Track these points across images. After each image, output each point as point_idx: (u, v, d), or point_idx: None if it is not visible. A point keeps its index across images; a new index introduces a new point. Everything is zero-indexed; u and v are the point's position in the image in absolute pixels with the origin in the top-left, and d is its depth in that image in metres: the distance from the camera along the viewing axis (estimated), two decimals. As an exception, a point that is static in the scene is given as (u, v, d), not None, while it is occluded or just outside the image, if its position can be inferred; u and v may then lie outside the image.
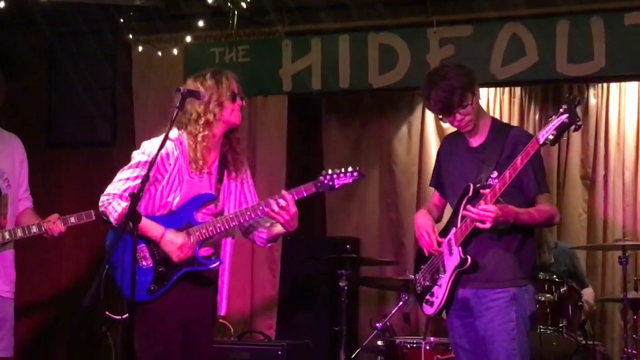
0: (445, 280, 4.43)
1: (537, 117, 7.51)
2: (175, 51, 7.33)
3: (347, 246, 6.48)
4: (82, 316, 6.72)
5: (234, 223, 4.34)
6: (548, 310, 5.74)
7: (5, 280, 5.08)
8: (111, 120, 7.71)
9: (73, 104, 7.67)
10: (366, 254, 7.40)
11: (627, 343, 5.82)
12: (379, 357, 5.96)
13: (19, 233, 5.01)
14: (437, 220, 4.71)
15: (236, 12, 7.01)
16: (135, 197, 3.91)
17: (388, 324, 6.02)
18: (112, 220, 4.26)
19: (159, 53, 7.38)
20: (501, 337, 4.31)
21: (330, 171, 4.38)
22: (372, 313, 7.20)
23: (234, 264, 4.67)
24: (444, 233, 4.50)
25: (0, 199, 5.06)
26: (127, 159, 4.28)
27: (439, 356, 5.60)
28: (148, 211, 4.32)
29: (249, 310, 7.25)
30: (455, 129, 4.56)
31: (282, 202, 4.27)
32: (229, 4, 6.89)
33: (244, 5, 6.89)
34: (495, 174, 4.27)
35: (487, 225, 4.17)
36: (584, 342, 5.94)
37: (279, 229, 4.44)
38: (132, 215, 3.85)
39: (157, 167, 4.25)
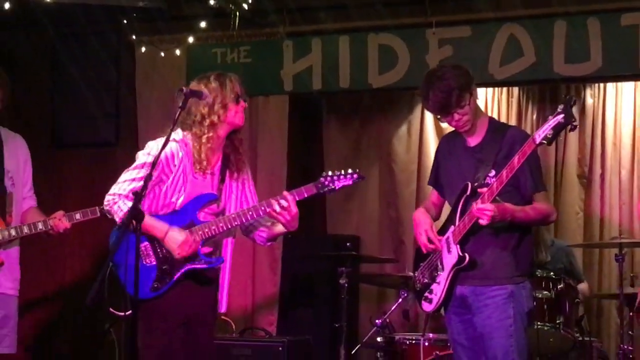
0: (443, 277, 4.44)
1: (534, 116, 7.51)
2: (177, 52, 7.34)
3: (347, 244, 6.49)
4: (86, 313, 6.75)
5: (236, 222, 4.36)
6: (545, 307, 5.74)
7: (10, 278, 5.09)
8: (114, 120, 7.71)
9: (76, 104, 7.68)
10: (366, 251, 7.41)
11: (623, 339, 5.82)
12: (378, 353, 5.96)
13: (25, 230, 5.02)
14: (436, 218, 4.72)
15: (238, 13, 7.02)
16: (138, 195, 3.93)
17: (387, 320, 6.02)
18: (117, 219, 4.28)
19: (162, 54, 7.39)
20: (499, 333, 4.32)
21: (330, 173, 4.39)
22: (372, 310, 7.22)
23: (236, 262, 4.70)
24: (442, 231, 4.51)
25: (5, 197, 5.08)
26: (131, 159, 4.30)
27: (437, 352, 5.61)
28: (152, 210, 4.34)
29: (250, 307, 7.26)
30: (454, 129, 4.57)
31: (283, 202, 4.29)
32: (230, 5, 6.90)
33: (245, 6, 6.90)
34: (492, 173, 4.28)
35: (485, 222, 4.19)
36: (580, 338, 5.94)
37: (279, 228, 4.46)
38: (135, 213, 3.87)
39: (162, 168, 4.28)
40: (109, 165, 7.51)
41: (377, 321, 5.96)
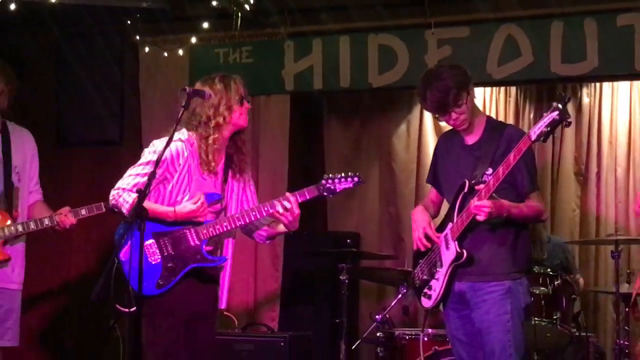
0: (442, 274, 4.45)
1: (532, 115, 7.52)
2: (180, 52, 7.33)
3: (348, 241, 6.49)
4: (91, 308, 6.75)
5: (240, 222, 4.39)
6: (543, 302, 5.74)
7: (15, 273, 5.11)
8: (118, 119, 7.71)
9: (81, 103, 7.68)
10: (366, 248, 7.41)
11: (619, 334, 5.82)
12: (378, 348, 5.96)
13: (32, 226, 5.03)
14: (435, 215, 4.73)
15: (240, 14, 7.01)
16: (142, 193, 3.94)
17: (387, 316, 6.02)
18: (124, 211, 4.29)
19: (165, 54, 7.38)
20: (496, 328, 4.33)
21: (331, 175, 4.42)
22: (372, 306, 7.23)
23: (238, 259, 4.71)
24: (441, 228, 4.52)
25: (12, 192, 5.08)
26: (134, 158, 4.31)
27: (436, 347, 5.61)
28: None
29: (252, 303, 7.26)
30: (452, 127, 4.57)
31: (286, 204, 4.33)
32: (232, 6, 6.89)
33: (247, 7, 6.90)
34: (490, 170, 4.29)
35: (482, 217, 4.19)
36: (577, 333, 5.95)
37: (280, 228, 4.50)
38: (139, 211, 3.88)
39: (166, 167, 4.30)
40: (113, 164, 7.51)
41: (377, 317, 5.95)
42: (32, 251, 5.30)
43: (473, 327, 4.43)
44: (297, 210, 4.34)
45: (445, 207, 4.67)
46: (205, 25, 7.13)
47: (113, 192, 4.34)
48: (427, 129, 7.64)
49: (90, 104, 7.60)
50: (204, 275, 4.42)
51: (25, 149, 5.22)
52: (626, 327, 5.81)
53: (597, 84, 7.37)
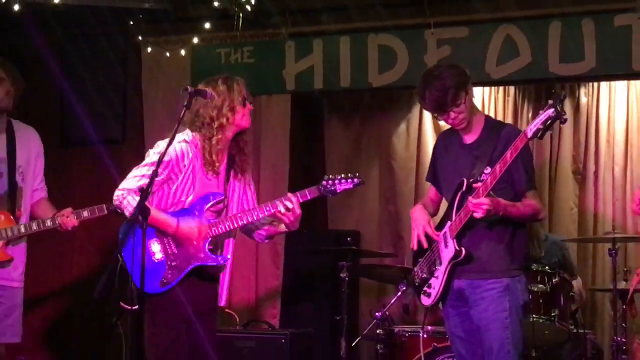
0: (441, 271, 4.45)
1: (530, 115, 7.50)
2: (182, 52, 7.34)
3: (348, 239, 6.49)
4: (94, 306, 6.75)
5: (242, 222, 4.41)
6: (541, 300, 5.73)
7: (17, 271, 5.12)
8: (121, 119, 7.71)
9: (84, 103, 7.67)
10: (366, 246, 7.41)
11: (617, 332, 5.82)
12: (378, 345, 5.96)
13: (34, 227, 5.03)
14: (434, 214, 4.73)
15: (241, 15, 7.02)
16: (145, 192, 3.94)
17: (387, 313, 6.02)
18: (127, 213, 4.29)
19: (167, 54, 7.39)
20: (495, 325, 4.33)
21: (332, 176, 4.43)
22: (372, 303, 7.22)
23: (239, 257, 4.73)
24: (440, 226, 4.52)
25: (16, 192, 5.08)
26: (137, 157, 4.31)
27: (435, 344, 5.61)
28: (160, 208, 4.37)
29: (253, 301, 7.27)
30: (450, 126, 4.57)
31: (288, 204, 4.35)
32: (234, 6, 6.89)
33: (248, 8, 6.90)
34: (488, 169, 4.28)
35: (479, 215, 4.18)
36: (575, 330, 5.95)
37: (281, 227, 4.53)
38: (141, 209, 3.88)
39: (171, 167, 4.31)
40: (116, 163, 7.52)
41: (377, 314, 5.95)
42: (34, 251, 5.30)
43: (472, 324, 4.43)
44: (298, 211, 4.36)
45: (444, 205, 4.67)
46: (207, 25, 7.14)
47: (118, 193, 4.33)
48: (427, 128, 7.63)
49: (94, 103, 7.60)
50: (205, 274, 4.42)
51: (30, 148, 5.22)
52: (623, 324, 5.81)
53: (595, 84, 7.37)
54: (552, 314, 5.72)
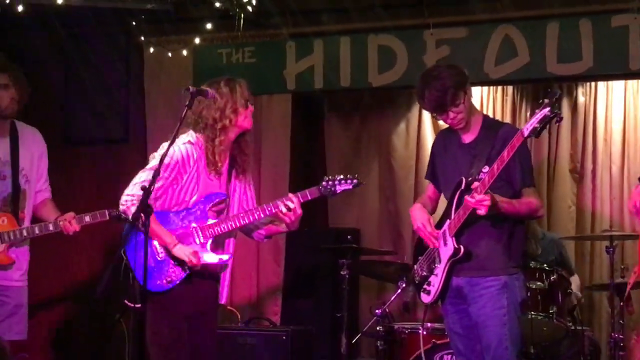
0: (440, 269, 4.45)
1: (528, 114, 7.48)
2: (184, 52, 7.34)
3: (348, 237, 6.49)
4: (94, 305, 6.76)
5: (244, 221, 4.44)
6: (539, 297, 5.74)
7: (20, 271, 5.13)
8: (124, 118, 7.71)
9: (87, 103, 7.68)
10: (366, 244, 7.41)
11: (614, 328, 5.83)
12: (378, 342, 5.96)
13: (37, 231, 5.04)
14: (432, 212, 4.72)
15: (242, 15, 7.01)
16: (146, 190, 3.95)
17: (387, 310, 6.02)
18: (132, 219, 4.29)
19: (169, 54, 7.39)
20: (493, 322, 4.33)
21: (332, 177, 4.46)
22: (372, 300, 7.22)
23: (241, 255, 4.74)
24: (439, 225, 4.51)
25: (19, 195, 5.09)
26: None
27: (435, 341, 5.61)
28: (164, 207, 4.39)
29: (255, 298, 7.27)
30: (449, 126, 4.57)
31: (290, 204, 4.37)
32: (235, 7, 6.89)
33: (249, 8, 6.89)
34: (486, 168, 4.28)
35: (483, 212, 4.18)
36: (573, 327, 5.95)
37: (280, 227, 4.56)
38: (143, 208, 3.88)
39: (178, 169, 4.33)
40: (119, 162, 7.54)
41: (377, 311, 5.95)
42: (38, 251, 5.31)
43: (470, 321, 4.43)
44: (299, 211, 4.39)
45: (442, 203, 4.66)
46: (209, 26, 7.14)
47: (126, 199, 4.31)
48: (426, 127, 7.64)
49: (96, 103, 7.61)
50: (206, 273, 4.44)
51: (33, 149, 5.22)
52: (621, 321, 5.82)
53: (592, 84, 7.36)
54: (550, 311, 5.72)
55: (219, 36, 7.31)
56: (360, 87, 7.17)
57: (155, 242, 4.33)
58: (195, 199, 4.38)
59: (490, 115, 6.95)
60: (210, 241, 4.39)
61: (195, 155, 4.36)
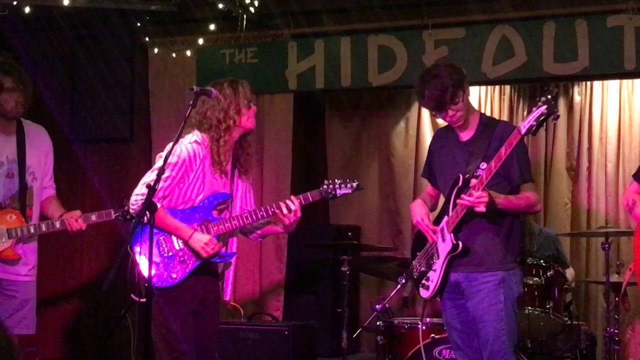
0: (439, 265, 4.45)
1: (525, 113, 7.43)
2: (188, 53, 7.34)
3: (349, 233, 6.48)
4: (100, 298, 6.76)
5: (247, 221, 4.47)
6: (536, 292, 5.73)
7: (28, 267, 5.13)
8: (129, 117, 7.72)
9: (93, 102, 7.68)
10: (366, 240, 7.42)
11: (610, 323, 5.83)
12: (378, 336, 5.96)
13: (43, 228, 5.05)
14: (432, 208, 4.72)
15: (245, 17, 7.01)
16: (151, 188, 3.96)
17: (387, 305, 6.01)
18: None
19: (173, 55, 7.39)
20: (490, 317, 4.33)
21: (332, 181, 4.52)
22: (372, 296, 7.23)
23: (244, 251, 4.75)
24: (437, 221, 4.51)
25: (26, 192, 5.09)
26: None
27: (434, 335, 5.61)
28: (171, 204, 4.40)
29: (257, 294, 7.28)
30: (446, 124, 4.57)
31: (291, 205, 4.41)
32: (238, 9, 6.89)
33: (252, 10, 6.89)
34: (483, 165, 4.28)
35: (482, 209, 4.18)
36: (569, 322, 5.95)
37: (277, 228, 4.60)
38: (148, 205, 3.89)
39: (185, 168, 4.35)
40: (124, 160, 7.54)
41: (377, 306, 5.94)
42: (45, 247, 5.32)
43: (468, 316, 4.43)
44: (299, 213, 4.43)
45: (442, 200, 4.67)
46: (212, 27, 7.14)
47: (135, 198, 4.31)
48: (425, 126, 7.64)
49: (102, 102, 7.61)
50: (208, 269, 4.47)
51: (40, 147, 5.23)
52: (616, 316, 5.82)
53: (588, 83, 7.37)
54: (547, 306, 5.71)
55: (222, 37, 7.32)
56: (361, 86, 7.17)
57: (161, 238, 4.36)
58: (201, 198, 4.41)
59: (488, 114, 6.96)
60: (215, 238, 4.41)
61: (201, 154, 4.38)
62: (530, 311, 5.63)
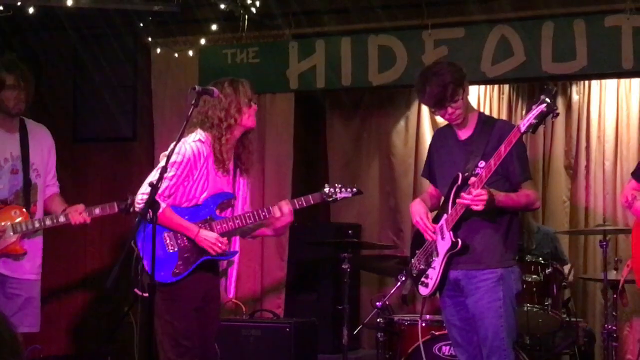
0: (438, 262, 4.45)
1: (524, 112, 7.47)
2: (190, 53, 7.34)
3: (349, 231, 6.49)
4: (107, 296, 6.76)
5: (250, 221, 4.53)
6: (534, 289, 5.73)
7: (33, 265, 5.14)
8: (132, 117, 7.72)
9: (97, 102, 7.68)
10: (367, 238, 7.42)
11: (607, 319, 5.83)
12: (378, 333, 5.96)
13: (48, 222, 5.05)
14: (434, 208, 4.71)
15: (246, 17, 7.02)
16: (154, 187, 3.97)
17: (387, 303, 6.02)
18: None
19: (176, 55, 7.39)
20: (489, 314, 4.33)
21: (332, 185, 4.65)
22: (373, 293, 7.23)
23: (246, 249, 4.77)
24: (436, 219, 4.52)
25: (30, 189, 5.10)
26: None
27: (433, 332, 5.61)
28: (175, 202, 4.42)
29: (259, 291, 7.28)
30: (445, 124, 4.58)
31: (285, 209, 4.48)
32: (239, 9, 6.89)
33: (253, 10, 6.90)
34: (482, 163, 4.29)
35: (480, 207, 4.18)
36: (567, 319, 5.96)
37: (266, 231, 4.64)
38: (151, 204, 3.90)
39: (190, 167, 4.38)
40: (127, 159, 7.54)
41: (377, 303, 5.95)
42: (48, 243, 5.32)
43: (467, 313, 4.43)
44: (291, 217, 4.49)
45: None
46: (214, 27, 7.14)
47: (141, 197, 4.33)
48: (425, 125, 7.63)
49: (105, 102, 7.61)
50: (210, 266, 4.50)
51: (42, 146, 5.24)
52: (614, 313, 5.82)
53: (586, 82, 7.36)
54: (546, 303, 5.71)
55: (224, 37, 7.31)
56: (361, 86, 7.16)
57: (165, 235, 4.37)
58: (205, 196, 4.44)
59: (487, 113, 6.97)
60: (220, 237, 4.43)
61: (205, 153, 4.41)
62: (529, 308, 5.64)
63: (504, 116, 7.40)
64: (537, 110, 4.01)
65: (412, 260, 4.66)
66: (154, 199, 3.93)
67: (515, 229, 4.49)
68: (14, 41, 7.48)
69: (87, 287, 7.60)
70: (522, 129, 4.05)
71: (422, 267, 4.58)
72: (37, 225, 5.03)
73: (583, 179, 7.41)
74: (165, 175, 4.28)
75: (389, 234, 7.61)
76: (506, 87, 7.55)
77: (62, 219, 5.02)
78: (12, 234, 4.97)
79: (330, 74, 7.05)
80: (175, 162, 4.32)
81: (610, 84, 7.32)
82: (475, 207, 4.19)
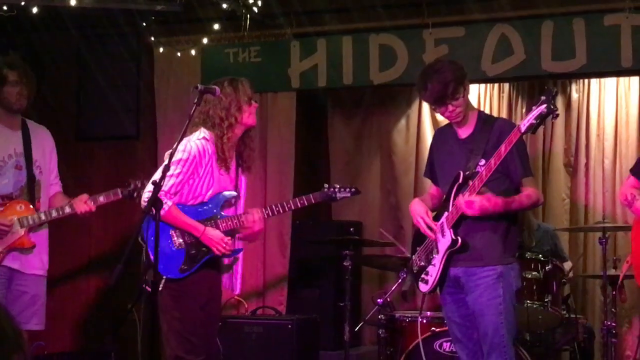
0: (438, 260, 4.45)
1: (524, 110, 7.49)
2: (193, 52, 7.34)
3: (351, 229, 6.50)
4: (108, 290, 6.77)
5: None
6: (534, 286, 5.73)
7: (40, 260, 5.13)
8: (135, 115, 7.72)
9: (100, 100, 7.69)
10: (368, 236, 7.42)
11: (607, 316, 5.84)
12: (380, 330, 5.97)
13: (54, 214, 5.06)
14: (435, 208, 4.71)
15: (248, 16, 7.02)
16: (157, 185, 3.98)
17: (388, 299, 6.03)
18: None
19: (178, 54, 7.39)
20: (489, 311, 4.33)
21: (332, 185, 4.74)
22: (374, 290, 7.23)
23: (248, 247, 4.77)
24: (437, 217, 4.52)
25: (34, 185, 5.10)
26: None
27: (434, 329, 5.62)
28: (181, 200, 4.45)
29: (261, 288, 7.28)
30: (446, 123, 4.58)
31: (256, 215, 4.52)
32: (241, 8, 6.89)
33: (255, 9, 6.90)
34: (482, 161, 4.29)
35: (471, 212, 4.20)
36: (567, 315, 5.96)
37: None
38: (154, 202, 3.91)
39: (195, 165, 4.40)
40: (130, 157, 7.55)
41: (378, 300, 5.96)
42: (53, 237, 5.32)
43: (467, 310, 4.43)
44: (261, 225, 4.55)
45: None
46: (216, 27, 7.14)
47: (148, 195, 4.33)
48: (425, 124, 7.64)
49: (108, 100, 7.61)
50: (214, 264, 4.52)
51: (44, 145, 5.24)
52: (613, 310, 5.83)
53: (586, 81, 7.37)
54: (545, 300, 5.71)
55: (226, 36, 7.31)
56: (362, 85, 7.17)
57: (172, 232, 4.39)
58: (211, 194, 4.47)
59: (487, 111, 6.97)
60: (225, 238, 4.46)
61: (209, 151, 4.43)
62: (529, 305, 5.64)
63: (504, 115, 7.40)
64: (537, 111, 4.01)
65: (413, 257, 4.67)
66: (157, 197, 3.94)
67: (515, 227, 4.49)
68: (17, 41, 7.48)
69: (91, 284, 7.60)
70: (522, 129, 4.05)
71: (422, 263, 4.58)
72: (43, 217, 5.04)
73: (583, 176, 7.41)
74: (172, 173, 4.29)
75: (390, 232, 7.57)
76: (506, 85, 7.55)
77: (67, 209, 5.04)
78: (19, 228, 4.97)
79: (331, 73, 7.05)
80: (181, 159, 4.34)
81: (610, 82, 7.32)
82: (468, 212, 4.21)
